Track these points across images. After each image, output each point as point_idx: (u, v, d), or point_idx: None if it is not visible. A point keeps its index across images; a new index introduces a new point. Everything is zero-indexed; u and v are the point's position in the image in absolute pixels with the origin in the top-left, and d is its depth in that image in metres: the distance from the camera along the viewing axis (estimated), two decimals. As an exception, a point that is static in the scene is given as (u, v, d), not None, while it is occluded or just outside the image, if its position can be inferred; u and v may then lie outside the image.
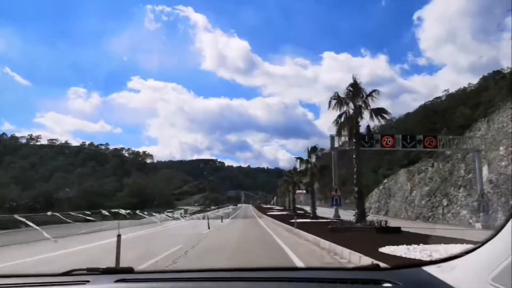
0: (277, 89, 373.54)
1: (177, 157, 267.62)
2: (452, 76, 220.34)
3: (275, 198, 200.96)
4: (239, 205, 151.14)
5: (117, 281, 1.82)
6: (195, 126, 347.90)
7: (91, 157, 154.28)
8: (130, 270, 2.02)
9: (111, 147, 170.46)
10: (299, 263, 10.12)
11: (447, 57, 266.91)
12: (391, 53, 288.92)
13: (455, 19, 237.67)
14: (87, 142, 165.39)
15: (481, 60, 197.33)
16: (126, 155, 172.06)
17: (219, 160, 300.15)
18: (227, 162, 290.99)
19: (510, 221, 1.19)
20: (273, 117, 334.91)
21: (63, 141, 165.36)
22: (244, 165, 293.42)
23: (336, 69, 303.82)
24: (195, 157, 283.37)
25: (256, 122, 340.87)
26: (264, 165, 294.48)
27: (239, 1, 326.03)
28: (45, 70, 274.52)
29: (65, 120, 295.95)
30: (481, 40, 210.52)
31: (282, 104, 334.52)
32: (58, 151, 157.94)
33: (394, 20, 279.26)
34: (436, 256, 7.57)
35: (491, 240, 1.30)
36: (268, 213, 53.13)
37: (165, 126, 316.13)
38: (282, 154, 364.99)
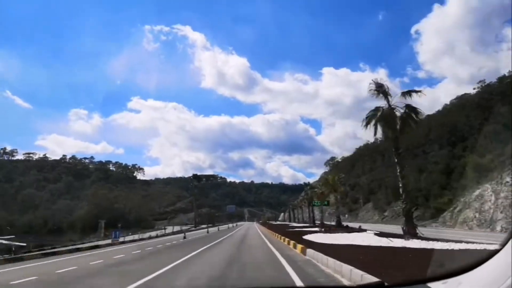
0: (278, 105, 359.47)
1: (179, 175, 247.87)
2: (453, 88, 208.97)
3: (282, 214, 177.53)
4: (240, 223, 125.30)
5: None
6: (197, 145, 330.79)
7: (69, 172, 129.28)
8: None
9: (96, 160, 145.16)
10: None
11: (446, 69, 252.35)
12: (390, 67, 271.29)
13: (453, 32, 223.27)
14: (68, 156, 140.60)
15: (481, 71, 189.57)
16: (113, 169, 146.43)
17: (220, 175, 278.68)
18: (230, 178, 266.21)
19: None
20: (274, 133, 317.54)
21: (41, 155, 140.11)
22: (247, 181, 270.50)
23: (336, 84, 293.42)
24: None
25: (258, 139, 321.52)
26: (268, 181, 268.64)
27: (236, 19, 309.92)
28: (45, 92, 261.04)
29: (67, 142, 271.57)
30: (480, 51, 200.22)
31: (283, 120, 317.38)
32: (33, 165, 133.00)
33: (391, 34, 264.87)
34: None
35: (497, 254, 1.24)
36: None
37: (167, 145, 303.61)
38: (285, 171, 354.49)
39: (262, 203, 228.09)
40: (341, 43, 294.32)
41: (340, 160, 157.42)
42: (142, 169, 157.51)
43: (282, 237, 23.00)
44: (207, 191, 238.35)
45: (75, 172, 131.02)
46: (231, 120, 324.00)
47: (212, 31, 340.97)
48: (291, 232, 31.16)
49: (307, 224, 62.24)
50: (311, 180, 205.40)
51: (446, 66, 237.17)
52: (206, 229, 49.49)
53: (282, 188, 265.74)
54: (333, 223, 54.51)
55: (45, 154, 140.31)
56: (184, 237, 29.73)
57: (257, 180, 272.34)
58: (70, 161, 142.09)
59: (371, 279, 6.15)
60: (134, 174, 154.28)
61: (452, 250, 10.09)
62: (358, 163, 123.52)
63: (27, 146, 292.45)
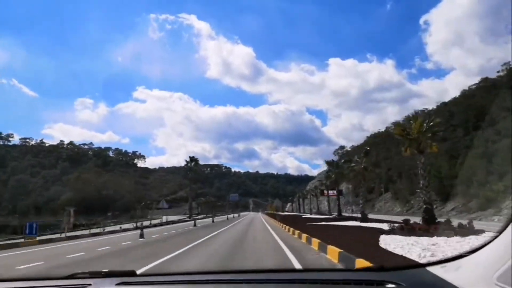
0: (283, 96, 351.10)
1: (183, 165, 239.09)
2: (462, 79, 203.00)
3: (289, 204, 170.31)
4: (244, 213, 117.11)
5: (119, 283, 1.75)
6: (202, 135, 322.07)
7: (66, 158, 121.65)
8: (132, 273, 1.95)
9: (96, 146, 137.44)
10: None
11: (455, 60, 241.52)
12: (398, 58, 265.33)
13: (463, 22, 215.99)
14: (66, 141, 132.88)
15: (491, 62, 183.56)
16: (112, 155, 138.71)
17: (225, 165, 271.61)
18: (235, 169, 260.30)
19: None
20: (280, 124, 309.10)
21: (38, 140, 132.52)
22: (252, 171, 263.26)
23: (343, 75, 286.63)
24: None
25: (263, 130, 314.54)
26: (273, 171, 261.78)
27: (241, 8, 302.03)
28: (51, 81, 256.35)
29: (73, 131, 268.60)
30: (490, 42, 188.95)
31: (288, 111, 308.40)
32: (29, 150, 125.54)
33: (399, 24, 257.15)
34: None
35: (495, 240, 1.27)
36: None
37: (172, 135, 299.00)
38: (290, 162, 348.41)
39: (267, 193, 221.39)
40: (348, 33, 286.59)
41: (349, 149, 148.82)
42: (143, 156, 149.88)
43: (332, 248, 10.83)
44: (211, 181, 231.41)
45: (72, 158, 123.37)
46: (236, 111, 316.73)
47: (218, 20, 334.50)
48: (324, 229, 21.90)
49: (327, 216, 53.29)
50: (316, 172, 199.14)
51: (455, 57, 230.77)
52: (194, 221, 41.29)
53: (287, 178, 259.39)
54: (354, 215, 46.31)
55: (42, 140, 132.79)
56: (141, 236, 21.09)
57: (262, 171, 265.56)
58: (68, 147, 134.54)
59: None
60: (135, 161, 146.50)
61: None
62: (372, 151, 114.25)
63: (34, 135, 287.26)
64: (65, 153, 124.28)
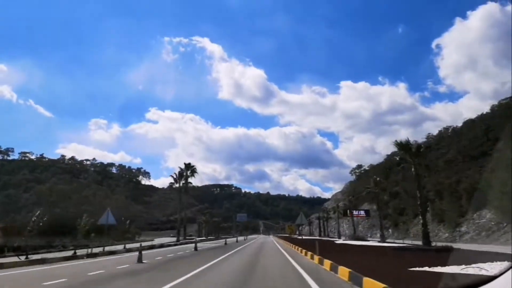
0: (295, 118, 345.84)
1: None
2: (476, 103, 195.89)
3: (300, 227, 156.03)
4: (253, 236, 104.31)
5: None
6: (213, 156, 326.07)
7: (63, 172, 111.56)
8: None
9: (98, 162, 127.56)
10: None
11: (469, 84, 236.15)
12: (411, 81, 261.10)
13: (475, 46, 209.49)
14: (67, 156, 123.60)
15: (505, 86, 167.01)
16: (114, 171, 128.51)
17: (235, 185, 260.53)
18: (245, 190, 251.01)
19: None
20: (291, 146, 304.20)
21: (38, 155, 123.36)
22: (262, 191, 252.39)
23: (355, 98, 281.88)
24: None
25: (274, 152, 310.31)
26: (284, 193, 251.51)
27: (253, 30, 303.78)
28: (66, 101, 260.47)
29: (86, 151, 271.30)
30: (503, 65, 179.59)
31: (299, 133, 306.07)
32: (26, 165, 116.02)
33: (411, 47, 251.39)
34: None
35: (497, 280, 1.28)
36: None
37: (183, 156, 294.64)
38: (301, 184, 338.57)
39: (278, 215, 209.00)
40: (359, 56, 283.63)
41: (368, 168, 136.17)
42: (147, 173, 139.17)
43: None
44: (220, 201, 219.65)
45: (70, 173, 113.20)
46: (247, 132, 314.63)
47: (230, 43, 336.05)
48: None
49: (380, 242, 40.25)
50: (328, 195, 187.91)
51: (468, 80, 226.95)
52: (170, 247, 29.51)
53: (299, 200, 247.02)
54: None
55: (42, 154, 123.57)
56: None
57: (273, 193, 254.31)
58: (69, 162, 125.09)
59: None
60: (139, 179, 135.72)
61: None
62: (395, 169, 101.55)
63: (49, 155, 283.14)
64: (63, 168, 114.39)
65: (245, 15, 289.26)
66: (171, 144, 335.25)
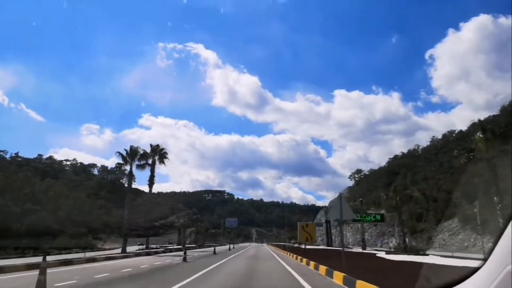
0: (288, 126, 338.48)
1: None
2: (469, 113, 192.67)
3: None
4: (244, 244, 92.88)
5: None
6: (207, 163, 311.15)
7: (37, 173, 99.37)
8: None
9: (78, 163, 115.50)
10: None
11: (461, 95, 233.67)
12: (404, 91, 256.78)
13: (468, 57, 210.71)
14: (45, 156, 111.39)
15: (497, 98, 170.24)
16: (96, 173, 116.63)
17: (227, 191, 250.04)
18: (238, 196, 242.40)
19: (492, 255, 1.23)
20: (284, 154, 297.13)
21: (13, 154, 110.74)
22: (256, 198, 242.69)
23: (349, 107, 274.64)
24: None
25: (268, 159, 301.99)
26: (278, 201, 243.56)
27: (248, 37, 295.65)
28: (58, 106, 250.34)
29: (78, 156, 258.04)
30: (496, 77, 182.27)
31: (293, 141, 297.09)
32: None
33: (405, 57, 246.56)
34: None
35: (479, 271, 1.33)
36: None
37: (177, 163, 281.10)
38: (295, 192, 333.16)
39: (271, 223, 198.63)
40: (353, 65, 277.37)
41: (368, 173, 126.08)
42: (133, 175, 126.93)
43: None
44: (212, 207, 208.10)
45: (45, 174, 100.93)
46: (241, 139, 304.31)
47: (224, 49, 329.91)
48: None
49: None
50: (322, 204, 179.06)
51: (461, 91, 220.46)
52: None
53: (293, 208, 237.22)
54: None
55: (17, 153, 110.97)
56: None
57: (266, 200, 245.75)
58: (46, 161, 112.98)
59: None
60: (122, 181, 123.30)
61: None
62: (401, 173, 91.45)
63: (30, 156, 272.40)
64: (37, 168, 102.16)
65: (240, 22, 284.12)
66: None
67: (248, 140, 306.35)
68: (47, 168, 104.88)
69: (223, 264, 16.96)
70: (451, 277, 1.53)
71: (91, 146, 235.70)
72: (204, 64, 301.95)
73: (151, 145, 37.12)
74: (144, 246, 38.71)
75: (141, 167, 32.12)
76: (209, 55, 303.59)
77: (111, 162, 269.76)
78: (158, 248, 38.29)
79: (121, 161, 32.65)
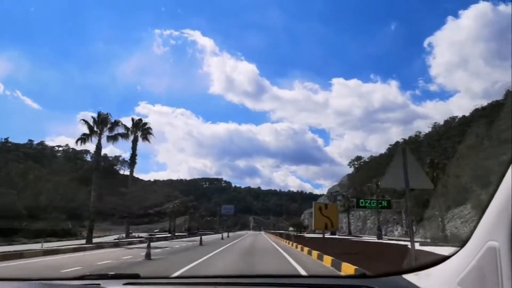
0: (286, 114, 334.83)
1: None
2: (466, 102, 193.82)
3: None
4: (241, 232, 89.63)
5: (125, 284, 1.85)
6: (204, 152, 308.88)
7: (26, 159, 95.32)
8: (136, 276, 2.06)
9: (70, 148, 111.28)
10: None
11: (460, 83, 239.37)
12: (402, 79, 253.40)
13: (467, 45, 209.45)
14: (36, 141, 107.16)
15: (495, 86, 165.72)
16: (89, 159, 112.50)
17: (225, 179, 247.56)
18: (235, 184, 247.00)
19: (475, 232, 1.27)
20: (282, 142, 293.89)
21: (3, 139, 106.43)
22: (253, 186, 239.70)
23: (347, 95, 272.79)
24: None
25: (266, 148, 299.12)
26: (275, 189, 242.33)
27: (245, 24, 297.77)
28: (54, 94, 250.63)
29: (75, 145, 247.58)
30: (495, 65, 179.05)
31: (291, 129, 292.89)
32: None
33: (404, 45, 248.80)
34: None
35: (460, 250, 1.38)
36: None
37: (174, 151, 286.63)
38: (292, 181, 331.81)
39: (269, 211, 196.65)
40: (352, 53, 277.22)
41: (368, 160, 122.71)
42: (126, 162, 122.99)
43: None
44: (209, 195, 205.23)
45: (35, 159, 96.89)
46: (238, 128, 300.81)
47: (222, 37, 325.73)
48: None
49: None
50: (319, 192, 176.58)
51: (459, 79, 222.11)
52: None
53: (291, 196, 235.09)
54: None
55: (7, 139, 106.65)
56: None
57: (264, 188, 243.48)
58: (38, 147, 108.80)
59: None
60: (116, 168, 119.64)
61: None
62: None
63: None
64: (27, 153, 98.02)
65: (237, 8, 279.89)
66: (161, 139, 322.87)
67: (245, 128, 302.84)
68: (37, 154, 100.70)
69: (199, 266, 12.04)
70: (438, 256, 1.56)
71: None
72: (201, 51, 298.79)
73: (132, 119, 33.17)
74: (122, 235, 34.78)
75: (112, 139, 27.26)
76: (206, 42, 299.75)
77: (109, 150, 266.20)
78: (138, 237, 34.45)
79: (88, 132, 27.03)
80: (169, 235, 46.89)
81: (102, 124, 25.51)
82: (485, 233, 1.20)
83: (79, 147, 29.40)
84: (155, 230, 73.99)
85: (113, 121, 26.15)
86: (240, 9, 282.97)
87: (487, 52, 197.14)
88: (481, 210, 1.25)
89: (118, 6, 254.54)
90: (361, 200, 46.53)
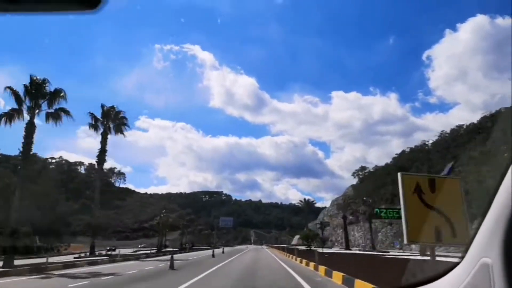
0: (286, 127, 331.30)
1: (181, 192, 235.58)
2: (466, 114, 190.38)
3: (297, 237, 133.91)
4: (241, 247, 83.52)
5: None
6: (204, 165, 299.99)
7: (15, 169, 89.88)
8: None
9: (62, 160, 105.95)
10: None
11: (459, 95, 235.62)
12: (401, 92, 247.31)
13: (465, 58, 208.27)
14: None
15: (494, 98, 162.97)
16: (82, 171, 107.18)
17: (225, 193, 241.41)
18: (236, 197, 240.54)
19: (470, 248, 1.29)
20: (282, 156, 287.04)
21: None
22: (254, 199, 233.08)
23: (346, 108, 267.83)
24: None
25: (266, 161, 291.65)
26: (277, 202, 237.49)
27: (245, 39, 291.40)
28: None
29: (75, 159, 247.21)
30: (494, 77, 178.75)
31: (291, 142, 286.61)
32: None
33: (402, 58, 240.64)
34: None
35: (458, 266, 1.39)
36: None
37: (174, 165, 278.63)
38: (293, 194, 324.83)
39: (270, 224, 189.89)
40: (351, 66, 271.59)
41: (373, 170, 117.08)
42: (122, 174, 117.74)
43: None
44: (208, 209, 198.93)
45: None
46: (239, 141, 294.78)
47: (221, 51, 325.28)
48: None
49: None
50: (321, 205, 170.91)
51: (459, 92, 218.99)
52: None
53: (293, 209, 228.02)
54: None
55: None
56: None
57: (264, 201, 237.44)
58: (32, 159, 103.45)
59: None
60: (112, 180, 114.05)
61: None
62: (414, 167, 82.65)
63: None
64: (15, 165, 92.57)
65: (236, 23, 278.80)
66: (161, 153, 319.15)
67: (245, 142, 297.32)
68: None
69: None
70: (434, 272, 1.57)
71: (88, 149, 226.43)
72: (201, 65, 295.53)
73: (102, 107, 27.34)
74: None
75: (54, 118, 20.86)
76: (206, 57, 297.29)
77: (109, 165, 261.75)
78: (105, 254, 28.63)
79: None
80: (153, 251, 41.05)
81: (36, 94, 18.87)
82: (479, 249, 1.20)
83: (6, 127, 21.88)
84: (140, 245, 67.82)
85: (52, 90, 19.50)
86: (239, 23, 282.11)
87: (485, 65, 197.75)
88: (476, 227, 1.26)
89: (119, 21, 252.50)
90: (376, 210, 40.88)
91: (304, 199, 71.03)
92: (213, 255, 31.37)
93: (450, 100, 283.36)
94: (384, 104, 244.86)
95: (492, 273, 1.09)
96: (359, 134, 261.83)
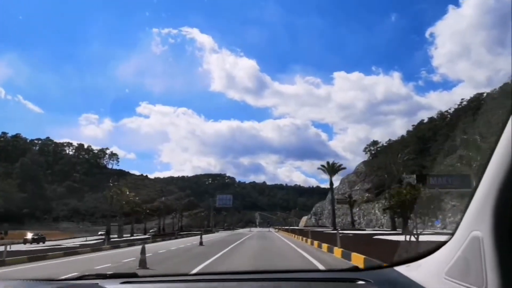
0: (288, 109, 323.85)
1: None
2: (470, 91, 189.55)
3: (305, 218, 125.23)
4: (242, 230, 74.72)
5: (122, 282, 1.85)
6: (207, 150, 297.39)
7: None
8: (134, 275, 2.07)
9: (49, 140, 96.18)
10: None
11: (462, 72, 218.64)
12: (405, 70, 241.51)
13: (469, 34, 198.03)
14: (9, 134, 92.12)
15: (499, 74, 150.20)
16: (71, 153, 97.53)
17: (228, 175, 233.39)
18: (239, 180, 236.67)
19: (461, 222, 1.29)
20: (285, 138, 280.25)
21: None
22: (259, 181, 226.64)
23: (349, 88, 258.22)
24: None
25: (269, 144, 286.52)
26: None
27: (244, 20, 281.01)
28: (56, 97, 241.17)
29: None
30: (497, 53, 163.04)
31: (294, 125, 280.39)
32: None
33: (405, 37, 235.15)
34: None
35: (449, 241, 1.40)
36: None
37: (177, 150, 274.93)
38: (297, 176, 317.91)
39: (275, 206, 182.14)
40: (353, 46, 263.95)
41: (386, 145, 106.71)
42: (115, 155, 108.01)
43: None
44: (212, 192, 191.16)
45: (6, 153, 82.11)
46: (241, 125, 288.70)
47: (220, 33, 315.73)
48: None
49: None
50: (325, 186, 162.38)
51: (462, 69, 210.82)
52: None
53: (298, 190, 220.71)
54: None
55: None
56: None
57: (269, 183, 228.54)
58: (11, 140, 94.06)
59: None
60: (103, 161, 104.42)
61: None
62: (438, 137, 72.17)
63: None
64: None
65: (235, 4, 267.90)
66: (164, 139, 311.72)
67: (248, 125, 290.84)
68: (8, 147, 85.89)
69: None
70: (427, 248, 1.58)
71: (91, 136, 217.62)
72: (200, 49, 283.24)
73: None
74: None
75: None
76: (205, 40, 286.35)
77: (112, 151, 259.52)
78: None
79: None
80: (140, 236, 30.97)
81: None
82: (470, 223, 1.21)
83: None
84: (100, 233, 57.83)
85: None
86: (238, 4, 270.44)
87: (489, 40, 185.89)
88: (467, 202, 1.25)
89: (114, 6, 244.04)
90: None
91: (328, 162, 61.03)
92: (200, 243, 20.38)
93: (454, 77, 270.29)
94: (387, 83, 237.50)
95: (483, 246, 1.09)
96: (362, 114, 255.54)
